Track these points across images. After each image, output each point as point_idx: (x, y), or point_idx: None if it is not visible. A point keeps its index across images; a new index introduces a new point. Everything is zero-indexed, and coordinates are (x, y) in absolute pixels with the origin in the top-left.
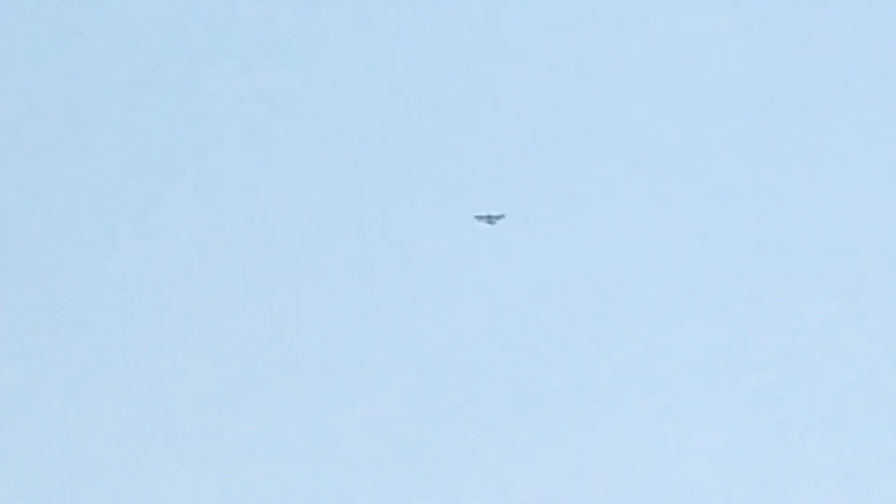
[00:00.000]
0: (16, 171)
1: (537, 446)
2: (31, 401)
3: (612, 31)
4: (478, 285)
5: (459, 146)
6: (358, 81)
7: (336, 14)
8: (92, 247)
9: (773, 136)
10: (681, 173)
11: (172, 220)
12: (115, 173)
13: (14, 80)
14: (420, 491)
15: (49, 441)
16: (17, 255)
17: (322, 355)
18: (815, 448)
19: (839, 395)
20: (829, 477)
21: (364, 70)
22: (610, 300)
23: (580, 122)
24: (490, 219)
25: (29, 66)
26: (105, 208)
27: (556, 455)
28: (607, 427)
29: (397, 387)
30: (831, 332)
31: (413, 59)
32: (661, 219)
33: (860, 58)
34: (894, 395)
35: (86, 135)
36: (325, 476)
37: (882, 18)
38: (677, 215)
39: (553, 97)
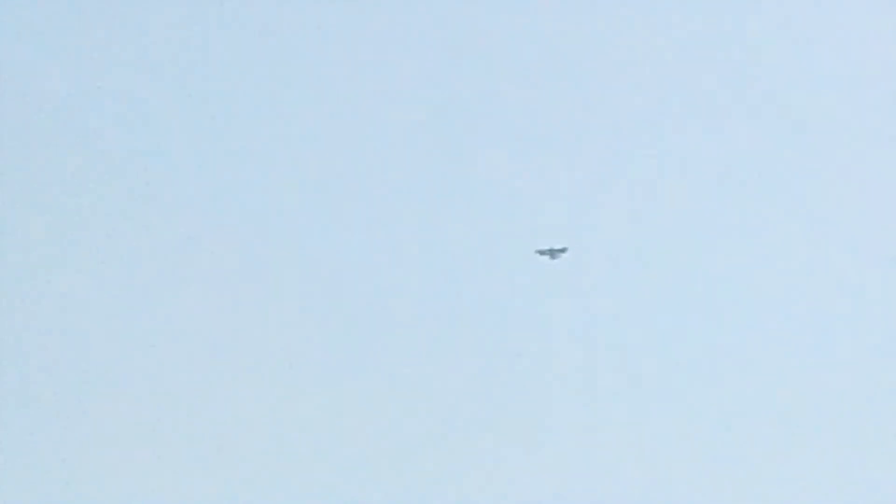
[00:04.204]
0: (15, 170)
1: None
2: (31, 401)
3: (674, 74)
4: (540, 320)
5: (521, 181)
6: (421, 121)
7: (388, 55)
8: (90, 246)
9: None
10: (741, 208)
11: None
12: (113, 173)
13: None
14: None
15: (48, 441)
16: (17, 256)
17: (379, 390)
18: (814, 448)
19: (838, 395)
20: (828, 476)
21: (427, 109)
22: (671, 338)
23: (644, 158)
24: (553, 253)
25: (29, 66)
26: (103, 208)
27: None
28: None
29: (457, 421)
30: (832, 333)
31: (475, 98)
32: (721, 257)
33: (860, 58)
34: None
35: (83, 135)
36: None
37: (882, 18)
38: (738, 249)
39: (616, 137)
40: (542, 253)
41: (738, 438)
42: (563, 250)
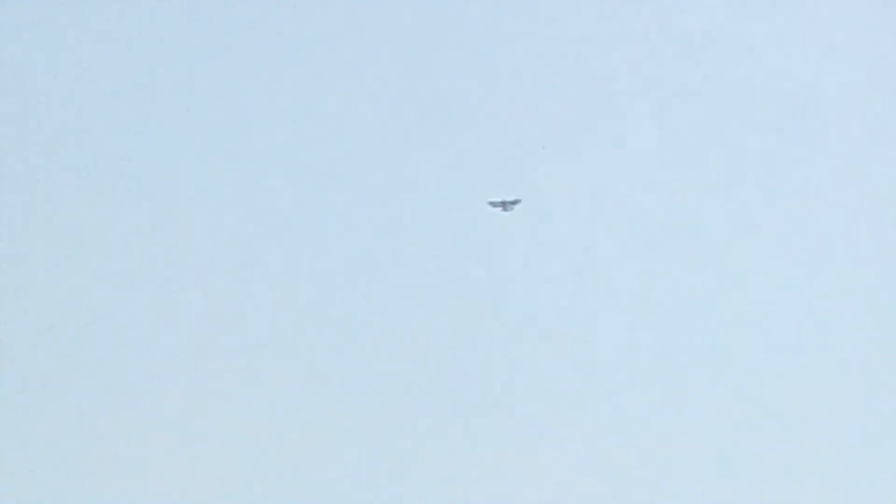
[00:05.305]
0: (16, 170)
1: (543, 442)
2: (31, 401)
3: (628, 28)
4: (492, 275)
5: (473, 132)
6: (371, 70)
7: (344, 9)
8: (89, 246)
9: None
10: (696, 163)
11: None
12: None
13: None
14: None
15: (48, 441)
16: (18, 256)
17: (331, 348)
18: (812, 448)
19: (837, 395)
20: (827, 476)
21: (377, 59)
22: (624, 292)
23: (599, 108)
24: (505, 205)
25: (29, 66)
26: (104, 208)
27: (558, 451)
28: (616, 424)
29: (406, 378)
30: (831, 332)
31: (427, 48)
32: (676, 210)
33: (860, 58)
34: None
35: (83, 135)
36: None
37: (882, 18)
38: (690, 205)
39: (570, 86)
40: (494, 205)
41: (700, 406)
42: (515, 202)
